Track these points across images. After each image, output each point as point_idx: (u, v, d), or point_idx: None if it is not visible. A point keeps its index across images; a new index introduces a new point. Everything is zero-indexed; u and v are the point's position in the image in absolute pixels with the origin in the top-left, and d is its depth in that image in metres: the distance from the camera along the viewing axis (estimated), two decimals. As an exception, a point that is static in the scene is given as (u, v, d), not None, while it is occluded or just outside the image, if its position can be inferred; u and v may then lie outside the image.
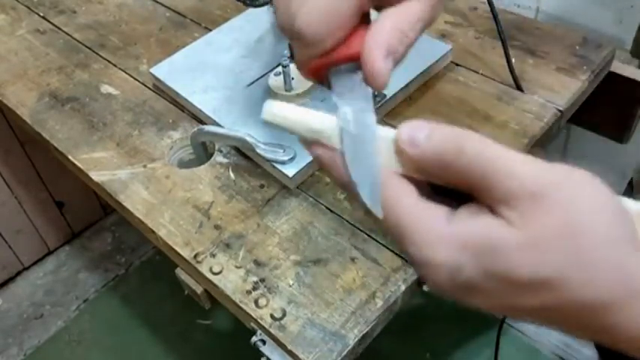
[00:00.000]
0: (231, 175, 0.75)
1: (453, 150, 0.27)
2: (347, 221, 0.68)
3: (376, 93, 0.77)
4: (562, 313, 0.27)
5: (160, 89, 0.87)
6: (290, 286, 0.63)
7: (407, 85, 0.79)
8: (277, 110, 0.33)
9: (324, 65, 0.35)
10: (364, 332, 0.59)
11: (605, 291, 0.26)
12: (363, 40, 0.33)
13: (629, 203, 0.29)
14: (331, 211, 0.69)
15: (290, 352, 0.59)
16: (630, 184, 0.68)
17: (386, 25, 0.33)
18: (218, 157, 0.77)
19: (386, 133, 0.30)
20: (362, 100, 0.33)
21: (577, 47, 0.85)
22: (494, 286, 0.27)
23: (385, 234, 0.28)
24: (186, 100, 0.82)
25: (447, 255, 0.27)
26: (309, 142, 0.33)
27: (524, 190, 0.26)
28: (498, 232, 0.26)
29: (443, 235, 0.27)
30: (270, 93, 0.80)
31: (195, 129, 0.76)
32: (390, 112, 0.79)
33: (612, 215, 0.26)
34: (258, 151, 0.70)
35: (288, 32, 0.34)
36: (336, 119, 0.33)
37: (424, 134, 0.28)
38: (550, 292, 0.26)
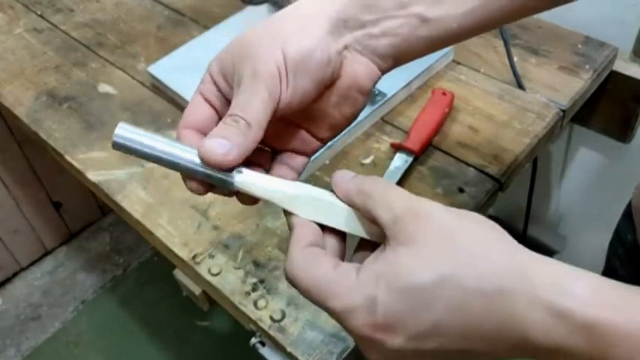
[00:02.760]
0: (230, 174, 0.74)
1: (367, 187, 0.36)
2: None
3: (377, 92, 0.76)
4: (469, 309, 0.30)
5: (158, 88, 0.87)
6: (289, 287, 0.62)
7: (408, 84, 0.79)
8: (251, 179, 0.39)
9: None
10: (365, 334, 0.58)
11: (495, 278, 0.30)
12: None
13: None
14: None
15: (289, 354, 0.58)
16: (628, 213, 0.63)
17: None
18: (217, 157, 0.76)
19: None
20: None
21: (579, 46, 0.84)
22: (409, 305, 0.31)
23: (305, 296, 0.36)
24: (184, 99, 0.81)
25: (361, 295, 0.32)
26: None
27: (407, 212, 0.33)
28: (392, 256, 0.32)
29: (355, 283, 0.33)
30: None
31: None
32: (392, 111, 0.79)
33: (485, 224, 0.33)
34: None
35: None
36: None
37: (352, 175, 0.38)
38: (451, 289, 0.30)
